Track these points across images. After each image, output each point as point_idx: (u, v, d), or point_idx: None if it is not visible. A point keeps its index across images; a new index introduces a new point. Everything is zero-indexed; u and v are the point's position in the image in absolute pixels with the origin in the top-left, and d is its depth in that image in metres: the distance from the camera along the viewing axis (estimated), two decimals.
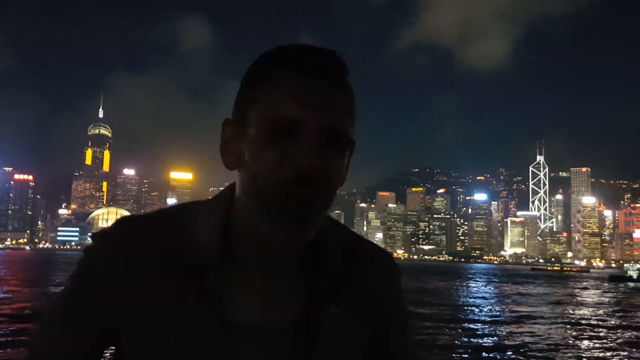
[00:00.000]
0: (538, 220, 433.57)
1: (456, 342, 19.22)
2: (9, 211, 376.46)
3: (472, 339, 19.77)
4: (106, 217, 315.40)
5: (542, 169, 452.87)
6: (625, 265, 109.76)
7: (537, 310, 32.08)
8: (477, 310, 30.96)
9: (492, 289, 60.49)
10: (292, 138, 0.83)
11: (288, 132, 0.83)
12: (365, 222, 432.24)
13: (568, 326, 25.79)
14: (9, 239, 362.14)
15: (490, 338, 20.77)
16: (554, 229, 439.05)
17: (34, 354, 0.96)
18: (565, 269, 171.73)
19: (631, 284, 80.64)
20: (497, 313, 30.04)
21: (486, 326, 24.08)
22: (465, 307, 32.33)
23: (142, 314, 0.91)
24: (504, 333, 21.96)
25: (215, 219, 0.94)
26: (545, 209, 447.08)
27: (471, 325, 23.28)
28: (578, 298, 48.85)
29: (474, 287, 63.68)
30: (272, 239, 0.87)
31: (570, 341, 21.08)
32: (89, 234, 1.03)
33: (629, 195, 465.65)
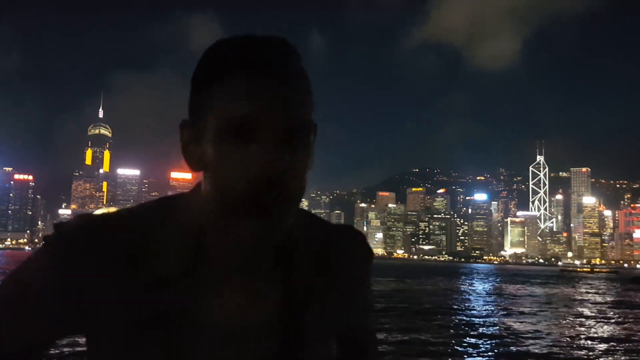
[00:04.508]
0: (538, 220, 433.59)
1: None
2: (9, 211, 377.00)
3: None
4: None
5: (542, 169, 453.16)
6: None
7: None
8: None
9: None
10: (253, 138, 0.81)
11: (248, 133, 0.81)
12: (365, 222, 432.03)
13: None
14: (9, 239, 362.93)
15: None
16: (554, 229, 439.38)
17: None
18: (595, 270, 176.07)
19: None
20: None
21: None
22: None
23: (103, 319, 0.86)
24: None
25: (184, 220, 0.90)
26: (545, 209, 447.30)
27: None
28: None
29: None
30: (245, 236, 0.86)
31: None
32: (54, 221, 0.94)
33: (629, 195, 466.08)
